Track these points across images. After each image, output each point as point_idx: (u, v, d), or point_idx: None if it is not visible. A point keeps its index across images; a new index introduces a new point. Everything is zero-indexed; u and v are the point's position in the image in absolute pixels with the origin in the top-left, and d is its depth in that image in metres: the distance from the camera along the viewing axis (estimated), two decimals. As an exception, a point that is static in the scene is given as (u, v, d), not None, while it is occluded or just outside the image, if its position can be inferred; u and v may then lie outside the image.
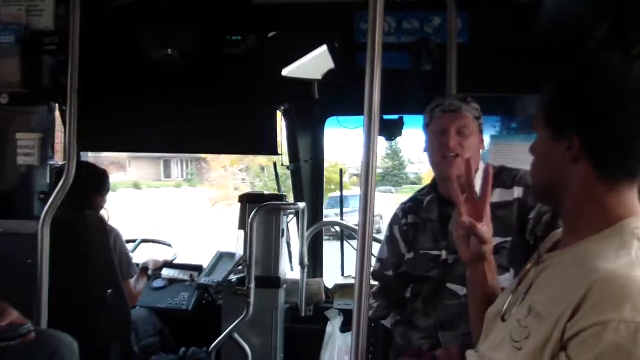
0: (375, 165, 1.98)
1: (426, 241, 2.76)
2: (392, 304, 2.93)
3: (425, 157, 2.77)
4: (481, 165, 2.71)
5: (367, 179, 1.96)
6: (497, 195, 2.58)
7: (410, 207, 2.89)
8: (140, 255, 4.49)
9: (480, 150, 2.74)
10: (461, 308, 2.58)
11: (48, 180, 3.61)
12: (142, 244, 4.78)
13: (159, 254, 4.59)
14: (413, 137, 3.80)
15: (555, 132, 1.56)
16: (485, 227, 1.90)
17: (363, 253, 1.95)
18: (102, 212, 3.91)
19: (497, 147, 3.68)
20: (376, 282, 2.96)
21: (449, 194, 2.65)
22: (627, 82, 1.49)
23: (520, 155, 2.94)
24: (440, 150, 2.62)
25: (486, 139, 3.35)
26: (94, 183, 3.82)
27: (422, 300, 2.75)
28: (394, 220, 2.93)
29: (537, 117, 1.62)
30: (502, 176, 2.67)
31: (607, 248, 1.43)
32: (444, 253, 2.69)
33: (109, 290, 3.44)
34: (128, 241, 4.42)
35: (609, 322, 1.29)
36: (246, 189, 17.45)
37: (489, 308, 1.82)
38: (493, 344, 1.68)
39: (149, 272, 4.26)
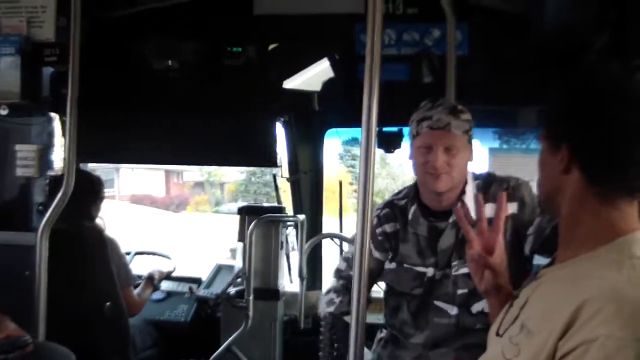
0: (373, 178, 1.97)
1: (411, 255, 2.66)
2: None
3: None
4: (470, 178, 2.64)
5: (365, 191, 1.96)
6: (488, 212, 2.26)
7: (388, 215, 2.75)
8: (138, 268, 4.47)
9: (469, 162, 2.62)
10: (453, 327, 2.57)
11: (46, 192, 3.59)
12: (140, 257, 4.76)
13: (158, 266, 4.57)
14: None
15: (552, 143, 1.54)
16: (498, 260, 1.85)
17: (361, 264, 1.95)
18: (99, 221, 3.87)
19: (496, 160, 3.68)
20: (340, 280, 2.88)
21: (436, 205, 2.62)
22: (623, 93, 1.47)
23: (519, 168, 2.94)
24: (426, 167, 2.53)
25: (485, 152, 3.34)
26: (89, 192, 3.77)
27: (410, 313, 2.68)
28: None
29: (542, 129, 1.62)
30: (492, 189, 2.56)
31: (600, 266, 1.41)
32: (430, 270, 2.61)
33: (108, 303, 3.42)
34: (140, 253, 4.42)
35: (597, 339, 1.28)
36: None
37: (492, 326, 1.79)
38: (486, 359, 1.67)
39: (155, 282, 4.23)
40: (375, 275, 2.78)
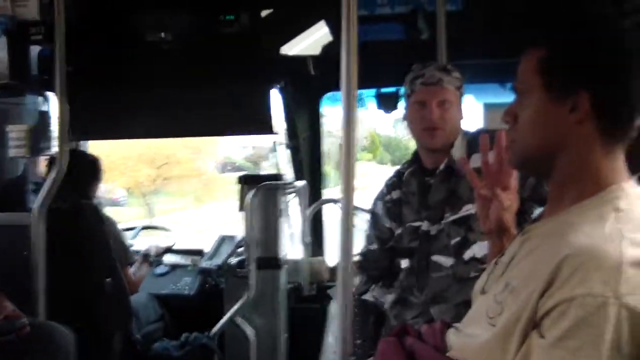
0: (355, 141, 1.96)
1: (410, 214, 2.73)
2: (372, 278, 2.91)
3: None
4: (460, 134, 2.68)
5: (348, 154, 1.94)
6: (476, 161, 2.39)
7: (395, 183, 2.86)
8: (141, 243, 4.48)
9: (460, 120, 2.70)
10: (450, 280, 2.58)
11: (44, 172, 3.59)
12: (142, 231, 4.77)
13: (160, 240, 4.57)
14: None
15: (558, 92, 1.43)
16: (509, 196, 1.84)
17: (346, 226, 1.95)
18: (95, 200, 3.88)
19: (491, 115, 3.63)
20: (359, 257, 2.95)
21: (431, 164, 2.69)
22: (628, 37, 1.41)
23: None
24: (422, 123, 2.63)
25: (480, 107, 3.29)
26: (86, 172, 3.79)
27: (415, 276, 2.71)
28: (379, 196, 2.91)
29: (527, 78, 1.49)
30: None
31: (584, 220, 1.36)
32: (425, 224, 2.66)
33: (108, 279, 3.43)
34: (128, 229, 4.40)
35: (576, 297, 1.23)
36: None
37: (477, 281, 1.76)
38: (470, 318, 1.64)
39: (151, 258, 4.23)
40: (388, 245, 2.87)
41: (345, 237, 1.96)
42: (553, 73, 1.44)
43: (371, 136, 25.35)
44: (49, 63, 3.43)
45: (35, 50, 3.46)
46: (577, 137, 1.42)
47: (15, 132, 3.35)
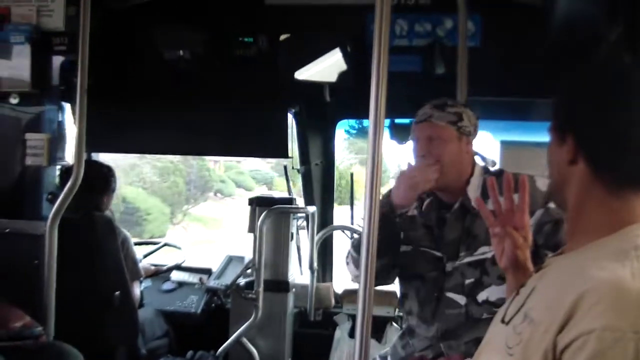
0: (381, 170, 1.96)
1: (426, 240, 2.70)
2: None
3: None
4: (477, 171, 2.68)
5: (372, 183, 1.94)
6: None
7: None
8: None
9: (473, 155, 2.69)
10: (462, 318, 2.58)
11: (57, 181, 3.60)
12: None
13: (169, 257, 4.56)
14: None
15: (558, 135, 1.53)
16: (522, 235, 1.85)
17: (368, 256, 1.93)
18: (107, 212, 3.88)
19: (507, 152, 3.65)
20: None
21: (446, 198, 2.68)
22: (626, 82, 1.47)
23: (531, 161, 2.91)
24: (416, 160, 2.65)
25: (497, 144, 3.29)
26: (100, 183, 3.80)
27: (418, 302, 2.69)
28: None
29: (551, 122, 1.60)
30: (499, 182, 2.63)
31: (604, 256, 1.38)
32: (445, 258, 2.65)
33: (117, 292, 3.43)
34: (147, 243, 4.40)
35: (595, 330, 1.25)
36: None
37: (499, 310, 1.78)
38: (487, 346, 1.66)
39: (141, 278, 4.21)
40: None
41: (367, 266, 1.94)
42: (554, 117, 1.55)
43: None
44: (68, 74, 3.46)
45: (60, 60, 3.47)
46: (574, 176, 1.49)
47: (34, 141, 3.37)
